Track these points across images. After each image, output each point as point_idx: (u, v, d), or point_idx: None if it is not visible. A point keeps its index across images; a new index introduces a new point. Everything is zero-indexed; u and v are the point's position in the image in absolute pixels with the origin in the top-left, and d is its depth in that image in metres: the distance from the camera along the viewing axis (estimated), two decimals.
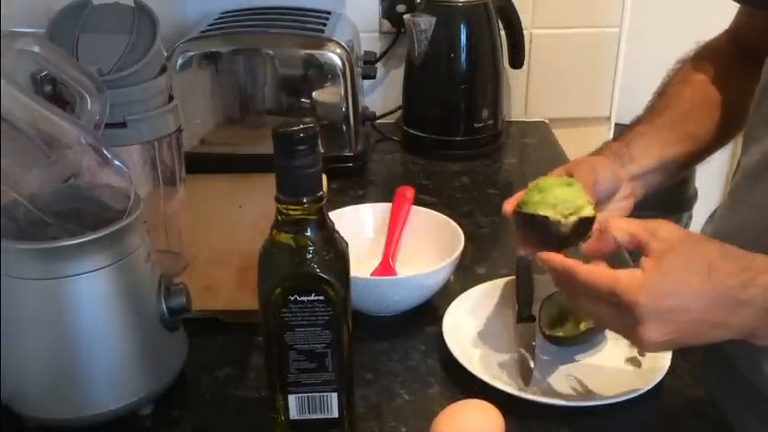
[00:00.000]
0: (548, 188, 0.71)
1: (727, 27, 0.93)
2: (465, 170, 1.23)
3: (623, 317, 0.62)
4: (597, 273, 0.63)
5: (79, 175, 0.64)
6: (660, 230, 0.64)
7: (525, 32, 1.33)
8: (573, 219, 0.69)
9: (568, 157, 1.28)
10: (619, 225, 0.66)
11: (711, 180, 1.79)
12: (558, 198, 0.70)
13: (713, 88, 0.87)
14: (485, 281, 0.87)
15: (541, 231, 0.70)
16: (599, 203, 0.76)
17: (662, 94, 0.90)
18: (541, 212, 0.70)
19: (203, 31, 1.17)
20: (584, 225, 0.69)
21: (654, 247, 0.63)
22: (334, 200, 1.03)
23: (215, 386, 0.75)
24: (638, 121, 0.88)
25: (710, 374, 0.78)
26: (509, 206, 0.74)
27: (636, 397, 0.70)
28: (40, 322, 0.64)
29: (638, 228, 0.65)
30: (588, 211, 0.70)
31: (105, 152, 0.65)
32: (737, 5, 0.88)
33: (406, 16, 1.24)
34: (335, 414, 0.64)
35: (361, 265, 0.89)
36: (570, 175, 0.76)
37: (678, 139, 0.84)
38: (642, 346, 0.63)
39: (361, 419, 0.69)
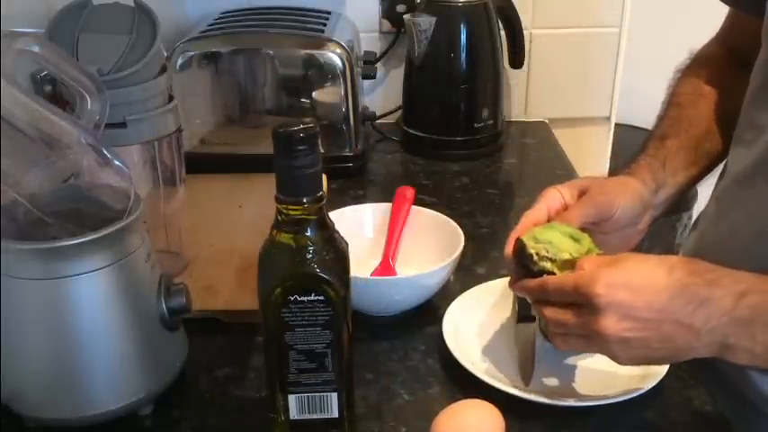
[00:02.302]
0: (553, 231, 0.71)
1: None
2: (465, 170, 1.23)
3: (584, 314, 0.63)
4: (563, 277, 0.66)
5: (79, 175, 0.64)
6: (620, 255, 0.66)
7: (525, 32, 1.33)
8: (544, 264, 0.69)
9: (568, 157, 1.28)
10: (590, 260, 0.67)
11: (712, 180, 1.79)
12: (548, 240, 0.70)
13: (721, 103, 0.86)
14: (485, 281, 0.87)
15: (520, 256, 0.70)
16: (607, 237, 0.75)
17: (677, 104, 0.88)
18: (526, 241, 0.70)
19: (203, 31, 1.17)
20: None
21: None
22: (335, 200, 1.03)
23: (215, 386, 0.75)
24: (665, 135, 0.85)
25: (707, 379, 0.77)
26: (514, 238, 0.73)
27: (636, 397, 0.70)
28: (40, 322, 0.64)
29: (605, 260, 0.66)
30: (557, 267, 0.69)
31: (105, 152, 0.65)
32: (747, 16, 0.88)
33: (406, 16, 1.24)
34: (335, 414, 0.64)
35: (361, 265, 0.89)
36: (583, 192, 0.75)
37: (697, 161, 0.84)
38: (606, 349, 0.63)
39: (361, 419, 0.69)
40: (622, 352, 0.63)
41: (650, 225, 0.82)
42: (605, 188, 0.76)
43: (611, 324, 0.61)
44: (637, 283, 0.62)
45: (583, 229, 0.73)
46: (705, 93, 0.87)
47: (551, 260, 0.69)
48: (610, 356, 0.65)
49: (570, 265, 0.68)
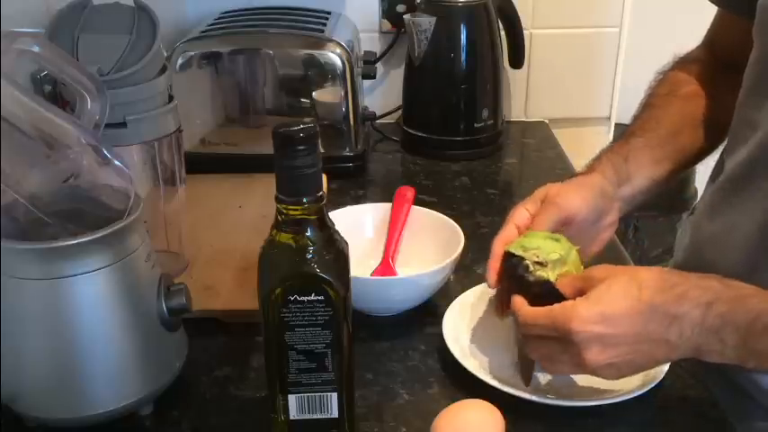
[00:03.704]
0: (534, 237, 0.73)
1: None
2: (465, 170, 1.23)
3: (567, 348, 0.65)
4: (537, 311, 0.67)
5: (79, 175, 0.64)
6: (593, 271, 0.68)
7: (525, 32, 1.33)
8: (540, 274, 0.70)
9: (568, 156, 1.28)
10: (562, 284, 0.69)
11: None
12: (536, 246, 0.71)
13: (699, 102, 0.87)
14: (485, 281, 0.87)
15: (511, 270, 0.71)
16: (578, 234, 0.76)
17: (649, 105, 0.89)
18: (514, 250, 0.71)
19: (203, 31, 1.17)
20: (547, 286, 0.70)
21: (587, 286, 0.66)
22: (334, 200, 1.03)
23: (215, 386, 0.75)
24: (632, 133, 0.86)
25: (708, 377, 0.78)
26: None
27: (636, 397, 0.70)
28: (40, 322, 0.64)
29: (577, 279, 0.69)
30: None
31: (105, 152, 0.65)
32: (736, 17, 0.88)
33: (406, 16, 1.24)
34: (335, 414, 0.64)
35: (361, 265, 0.89)
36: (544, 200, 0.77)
37: (667, 157, 0.85)
38: (595, 373, 0.66)
39: (361, 419, 0.69)
40: (611, 374, 0.66)
41: (626, 216, 0.83)
42: (563, 190, 0.78)
43: (593, 356, 0.64)
44: (610, 313, 0.64)
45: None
46: (680, 94, 0.88)
47: (543, 265, 0.70)
48: (600, 377, 0.67)
49: (562, 263, 0.70)
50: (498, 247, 0.74)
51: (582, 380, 0.74)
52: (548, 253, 0.70)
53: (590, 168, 0.83)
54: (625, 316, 0.64)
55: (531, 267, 0.70)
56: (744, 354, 0.63)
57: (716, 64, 0.90)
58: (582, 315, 0.64)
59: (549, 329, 0.66)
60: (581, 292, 0.66)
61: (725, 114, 0.82)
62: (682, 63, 0.93)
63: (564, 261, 0.71)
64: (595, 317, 0.63)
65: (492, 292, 0.85)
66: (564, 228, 0.76)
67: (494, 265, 0.73)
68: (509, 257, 0.72)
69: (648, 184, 0.83)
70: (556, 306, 0.66)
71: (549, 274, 0.70)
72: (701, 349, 0.64)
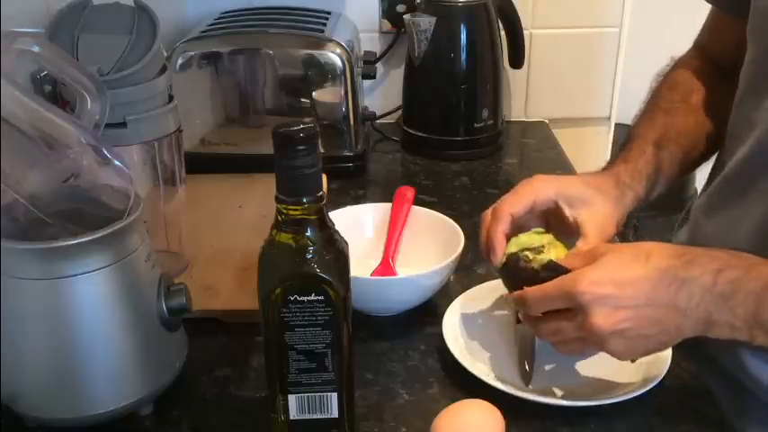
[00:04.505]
0: (526, 236, 0.75)
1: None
2: (465, 170, 1.23)
3: (575, 316, 0.65)
4: (544, 285, 0.67)
5: (79, 175, 0.64)
6: (599, 248, 0.69)
7: (525, 32, 1.33)
8: (542, 257, 0.71)
9: (568, 157, 1.28)
10: (568, 260, 0.69)
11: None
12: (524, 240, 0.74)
13: (707, 110, 0.87)
14: (485, 281, 0.87)
15: (514, 270, 0.72)
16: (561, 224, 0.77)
17: (665, 110, 0.88)
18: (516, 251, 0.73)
19: (203, 31, 1.17)
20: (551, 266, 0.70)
21: (594, 258, 0.66)
22: (334, 200, 1.03)
23: (215, 386, 0.75)
24: (657, 144, 0.84)
25: (707, 375, 0.78)
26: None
27: (636, 397, 0.70)
28: (40, 322, 0.64)
29: (584, 254, 0.69)
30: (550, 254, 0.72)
31: (105, 152, 0.65)
32: (730, 17, 0.88)
33: (406, 16, 1.24)
34: (335, 414, 0.64)
35: (361, 265, 0.89)
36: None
37: (678, 168, 0.85)
38: (604, 345, 0.65)
39: (361, 419, 0.69)
40: (620, 345, 0.65)
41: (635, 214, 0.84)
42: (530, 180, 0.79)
43: (602, 319, 0.63)
44: (618, 277, 0.64)
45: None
46: (692, 102, 0.88)
47: (539, 252, 0.71)
48: (609, 352, 0.66)
49: (555, 246, 0.72)
50: (503, 221, 0.75)
51: (582, 380, 0.74)
52: (539, 242, 0.72)
53: (604, 169, 0.84)
54: (633, 279, 0.64)
55: (531, 256, 0.71)
56: (753, 326, 0.63)
57: (711, 68, 0.91)
58: (589, 277, 0.64)
59: (556, 299, 0.66)
60: (588, 263, 0.66)
61: (726, 120, 0.83)
62: (684, 66, 0.92)
63: (556, 244, 0.72)
64: (603, 279, 0.63)
65: (490, 292, 0.86)
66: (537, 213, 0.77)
67: (498, 234, 0.75)
68: (506, 261, 0.73)
69: (647, 192, 0.83)
70: (563, 275, 0.66)
71: (551, 255, 0.71)
72: (711, 319, 0.63)
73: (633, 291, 0.63)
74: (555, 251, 0.72)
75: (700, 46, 0.94)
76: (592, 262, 0.66)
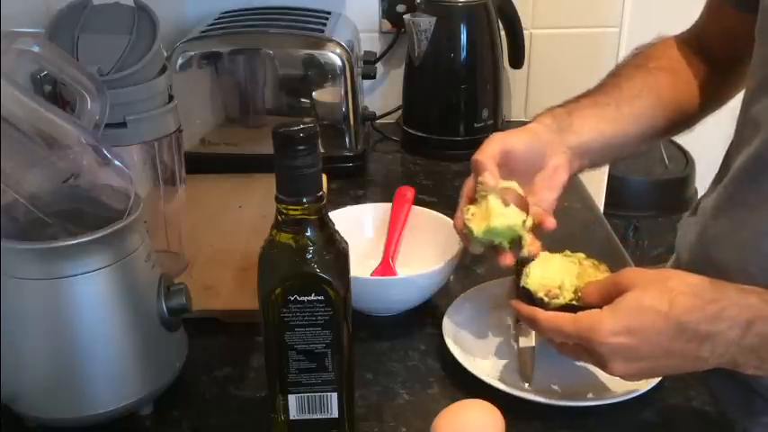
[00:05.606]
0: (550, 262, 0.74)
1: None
2: (465, 170, 1.22)
3: (592, 355, 0.65)
4: (560, 317, 0.66)
5: (79, 175, 0.64)
6: (622, 277, 0.66)
7: (525, 32, 1.33)
8: (557, 302, 0.70)
9: None
10: (588, 291, 0.68)
11: (709, 179, 1.79)
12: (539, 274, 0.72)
13: (665, 76, 0.87)
14: (485, 281, 0.87)
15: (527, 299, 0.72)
16: (522, 175, 0.78)
17: (613, 74, 0.89)
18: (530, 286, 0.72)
19: (203, 31, 1.17)
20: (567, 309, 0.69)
21: (616, 293, 0.65)
22: (334, 200, 1.03)
23: (215, 386, 0.75)
24: (585, 94, 0.87)
25: (709, 374, 0.78)
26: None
27: (636, 397, 0.70)
28: (40, 322, 0.64)
29: (605, 284, 0.67)
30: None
31: (105, 152, 0.65)
32: (731, 8, 0.88)
33: (406, 16, 1.24)
34: (335, 414, 0.64)
35: (361, 265, 0.89)
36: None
37: (622, 117, 0.84)
38: (622, 378, 0.66)
39: (361, 419, 0.69)
40: (633, 379, 0.67)
41: (578, 172, 0.84)
42: (502, 132, 0.82)
43: (618, 367, 0.64)
44: (636, 326, 0.62)
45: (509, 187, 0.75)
46: (649, 66, 0.88)
47: (555, 296, 0.69)
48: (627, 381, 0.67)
49: (572, 282, 0.70)
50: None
51: (582, 380, 0.74)
52: (559, 278, 0.71)
53: (531, 120, 0.85)
54: (651, 331, 0.62)
55: (546, 300, 0.69)
56: None
57: (695, 51, 0.90)
58: (606, 327, 0.62)
59: (573, 339, 0.65)
60: (608, 299, 0.65)
61: (688, 98, 0.83)
62: (660, 43, 0.93)
63: (573, 278, 0.71)
64: (620, 329, 0.62)
65: (490, 292, 0.86)
66: (509, 170, 0.77)
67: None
68: (519, 294, 0.72)
69: (598, 137, 0.82)
70: (581, 314, 0.65)
71: (565, 296, 0.69)
72: (738, 363, 0.63)
73: (650, 343, 0.62)
74: (573, 279, 0.70)
75: (693, 35, 0.94)
76: (610, 299, 0.64)
